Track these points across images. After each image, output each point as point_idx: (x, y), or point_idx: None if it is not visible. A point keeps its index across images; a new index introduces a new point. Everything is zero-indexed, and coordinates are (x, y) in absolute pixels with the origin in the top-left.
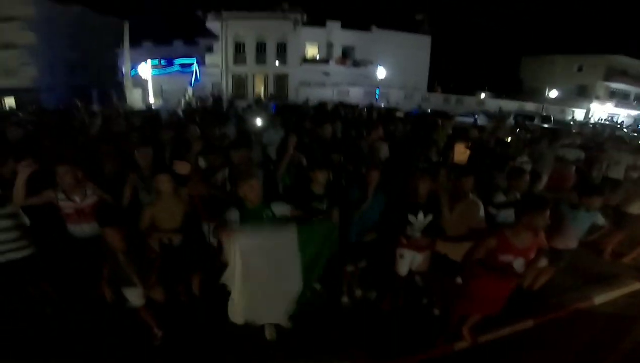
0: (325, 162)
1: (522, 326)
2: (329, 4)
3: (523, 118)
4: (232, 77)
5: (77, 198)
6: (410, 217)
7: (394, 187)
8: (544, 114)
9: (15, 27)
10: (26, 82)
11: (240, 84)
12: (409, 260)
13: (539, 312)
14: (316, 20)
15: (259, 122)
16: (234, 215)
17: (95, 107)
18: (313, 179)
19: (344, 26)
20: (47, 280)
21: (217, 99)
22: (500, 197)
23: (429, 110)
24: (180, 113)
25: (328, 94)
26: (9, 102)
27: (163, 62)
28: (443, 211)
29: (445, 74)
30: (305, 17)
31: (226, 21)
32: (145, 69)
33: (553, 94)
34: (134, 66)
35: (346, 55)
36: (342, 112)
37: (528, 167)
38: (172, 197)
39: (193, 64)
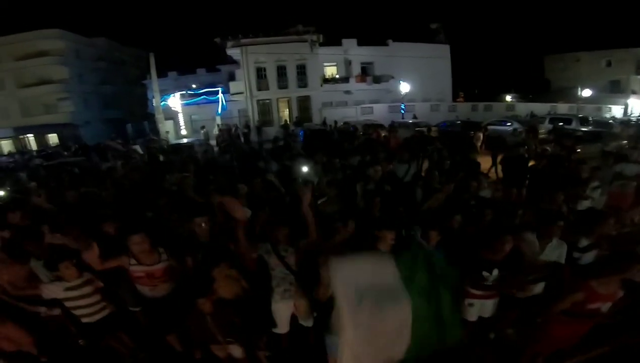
0: (392, 219)
1: (597, 352)
2: (343, 22)
3: (559, 121)
4: (257, 103)
5: (148, 263)
6: (485, 274)
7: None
8: (581, 115)
9: (48, 62)
10: (65, 117)
11: (265, 109)
12: (478, 308)
13: (614, 337)
14: (332, 39)
15: (303, 169)
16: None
17: (137, 145)
18: (380, 238)
19: (360, 43)
20: (125, 332)
21: (246, 128)
22: (584, 242)
23: (458, 122)
24: (214, 146)
25: (351, 113)
26: (52, 138)
27: (190, 92)
28: (522, 269)
29: (468, 81)
30: (321, 37)
31: (245, 47)
32: (175, 101)
33: (586, 93)
34: (162, 97)
35: (366, 72)
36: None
37: (597, 193)
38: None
39: (218, 92)
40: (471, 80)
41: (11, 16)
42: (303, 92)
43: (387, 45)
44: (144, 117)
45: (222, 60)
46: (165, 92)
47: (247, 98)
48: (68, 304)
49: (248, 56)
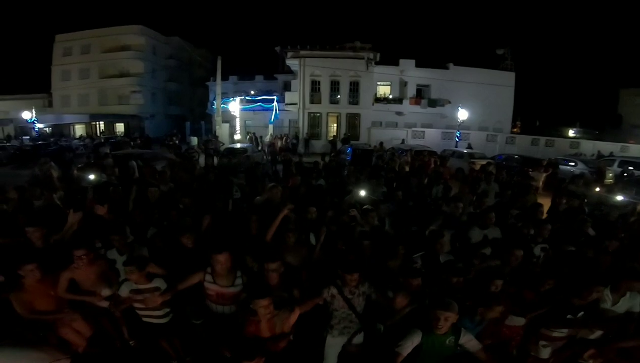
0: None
1: None
2: (402, 42)
3: (630, 165)
4: (308, 115)
5: (222, 284)
6: (569, 317)
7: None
8: None
9: (128, 56)
10: (134, 109)
11: (315, 122)
12: (552, 348)
13: None
14: (389, 59)
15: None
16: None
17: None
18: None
19: (419, 64)
20: (179, 337)
21: (295, 139)
22: None
23: (516, 156)
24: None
25: (401, 135)
26: (119, 127)
27: (248, 97)
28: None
29: (529, 108)
30: (378, 55)
31: (303, 58)
32: (235, 106)
33: None
34: (222, 100)
35: (421, 94)
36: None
37: None
38: None
39: (274, 101)
40: (532, 108)
41: (102, 10)
42: (353, 109)
43: (447, 68)
44: (202, 117)
45: (279, 69)
46: (225, 95)
47: (300, 109)
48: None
49: (305, 68)
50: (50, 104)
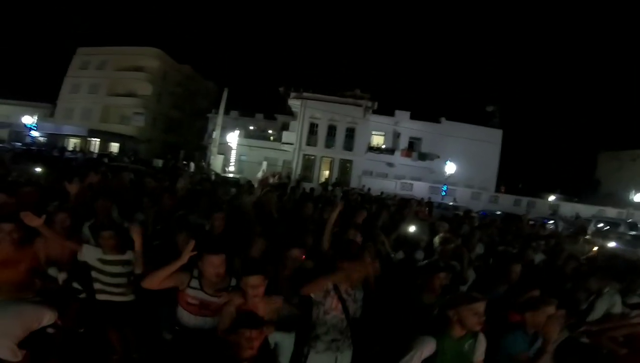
0: None
1: None
2: (398, 93)
3: (606, 224)
4: (303, 157)
5: (210, 292)
6: None
7: None
8: (630, 221)
9: (139, 77)
10: (133, 130)
11: (308, 165)
12: None
13: None
14: (385, 109)
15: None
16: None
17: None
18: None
19: (413, 116)
20: (132, 327)
21: (287, 179)
22: None
23: (498, 212)
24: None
25: (390, 186)
26: (114, 147)
27: (245, 135)
28: None
29: (513, 172)
30: (375, 104)
31: (305, 100)
32: (234, 138)
33: (638, 197)
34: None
35: (412, 147)
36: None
37: None
38: None
39: (269, 140)
40: (516, 172)
41: (119, 29)
42: (347, 155)
43: (439, 122)
44: (196, 148)
45: (279, 109)
46: (224, 129)
47: (296, 150)
48: (94, 274)
49: (306, 110)
50: (52, 114)
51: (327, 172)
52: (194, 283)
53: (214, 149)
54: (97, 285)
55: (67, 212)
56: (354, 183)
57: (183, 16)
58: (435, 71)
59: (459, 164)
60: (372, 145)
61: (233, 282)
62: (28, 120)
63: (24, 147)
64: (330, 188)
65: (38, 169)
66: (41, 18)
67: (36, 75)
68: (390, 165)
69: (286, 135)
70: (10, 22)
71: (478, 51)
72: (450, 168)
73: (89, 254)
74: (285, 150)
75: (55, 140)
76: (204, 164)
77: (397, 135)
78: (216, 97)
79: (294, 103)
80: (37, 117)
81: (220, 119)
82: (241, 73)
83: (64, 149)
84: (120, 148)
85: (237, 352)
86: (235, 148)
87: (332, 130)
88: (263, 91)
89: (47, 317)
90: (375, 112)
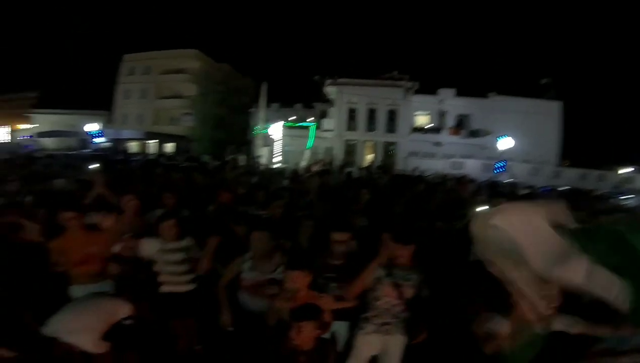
0: None
1: None
2: (441, 71)
3: None
4: (344, 143)
5: (263, 270)
6: None
7: None
8: None
9: (183, 78)
10: (184, 130)
11: (351, 150)
12: None
13: None
14: (427, 88)
15: None
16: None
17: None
18: None
19: (460, 93)
20: (194, 317)
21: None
22: None
23: (563, 188)
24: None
25: (439, 166)
26: (170, 147)
27: (287, 124)
28: None
29: (579, 145)
30: (416, 85)
31: (341, 86)
32: (276, 130)
33: None
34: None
35: (461, 124)
36: None
37: None
38: None
39: (311, 128)
40: (582, 145)
41: (160, 33)
42: (390, 137)
43: (487, 97)
44: (243, 142)
45: (317, 98)
46: (266, 122)
47: (336, 136)
48: (156, 267)
49: (343, 96)
50: (110, 121)
51: (370, 156)
52: (248, 265)
53: (259, 141)
54: (160, 278)
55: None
56: (400, 164)
57: (216, 16)
58: (480, 46)
59: (515, 139)
60: (416, 125)
61: (282, 260)
62: (91, 127)
63: (92, 153)
64: (375, 171)
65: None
66: (89, 29)
67: (93, 84)
68: (437, 144)
69: (326, 123)
70: (61, 37)
71: (526, 22)
72: (506, 143)
73: (149, 247)
74: (326, 137)
75: (116, 145)
76: (250, 157)
77: (442, 114)
78: (255, 92)
79: (330, 90)
80: (99, 124)
81: (262, 112)
82: (278, 66)
83: (127, 152)
84: (175, 147)
85: (293, 343)
86: (279, 139)
87: (372, 114)
88: (300, 81)
89: (125, 310)
90: (417, 92)
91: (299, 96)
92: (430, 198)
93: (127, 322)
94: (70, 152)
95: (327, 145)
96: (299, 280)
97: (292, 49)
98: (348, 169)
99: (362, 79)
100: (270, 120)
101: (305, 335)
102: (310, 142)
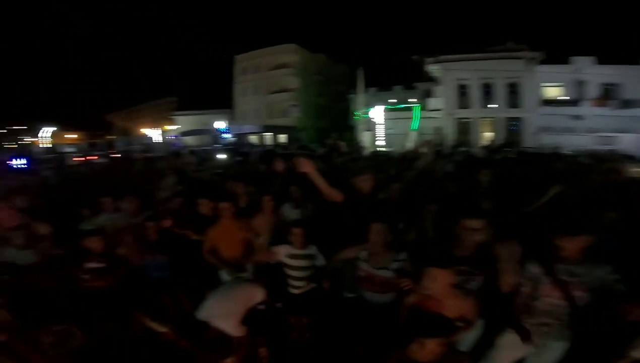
0: None
1: None
2: (573, 38)
3: None
4: (455, 121)
5: (376, 265)
6: None
7: None
8: None
9: (286, 73)
10: (292, 121)
11: (464, 129)
12: None
13: None
14: (556, 57)
15: None
16: None
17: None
18: None
19: (603, 61)
20: (308, 315)
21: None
22: None
23: None
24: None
25: (581, 142)
26: (283, 138)
27: (388, 107)
28: None
29: None
30: (541, 54)
31: (446, 64)
32: (378, 113)
33: None
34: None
35: (607, 95)
36: None
37: None
38: None
39: (414, 108)
40: None
41: (270, 31)
42: (513, 113)
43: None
44: (345, 128)
45: (417, 78)
46: (366, 106)
47: (446, 115)
48: (285, 269)
49: (449, 73)
50: (233, 117)
51: (488, 134)
52: (363, 255)
53: (360, 127)
54: (288, 281)
55: (272, 195)
56: (527, 141)
57: (308, 8)
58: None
59: None
60: (546, 98)
61: (402, 256)
62: (219, 125)
63: (222, 147)
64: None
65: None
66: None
67: (217, 86)
68: (577, 118)
69: (432, 102)
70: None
71: None
72: None
73: (281, 251)
74: (433, 117)
75: (239, 139)
76: (354, 142)
77: (579, 84)
78: (351, 78)
79: (433, 68)
80: (225, 122)
81: (361, 97)
82: (371, 51)
83: (251, 144)
84: (287, 138)
85: (412, 356)
86: (380, 122)
87: (487, 89)
88: (397, 63)
89: (260, 295)
90: (544, 62)
91: (397, 78)
92: (583, 179)
93: (261, 307)
94: (206, 148)
95: (435, 125)
96: (440, 279)
97: (384, 31)
98: (463, 149)
99: (470, 54)
100: (370, 104)
101: (428, 351)
102: (415, 124)
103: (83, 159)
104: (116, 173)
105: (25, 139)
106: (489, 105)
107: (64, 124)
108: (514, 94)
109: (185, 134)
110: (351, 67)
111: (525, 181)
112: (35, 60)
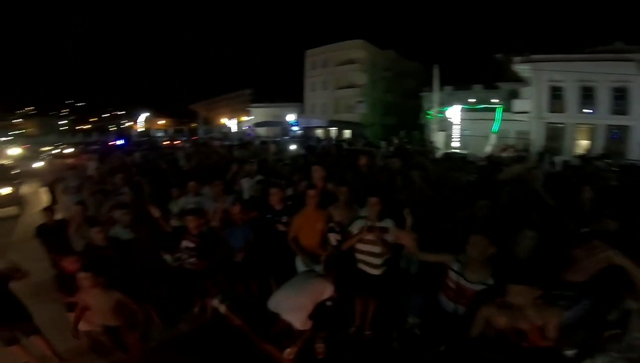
0: None
1: None
2: None
3: None
4: (545, 126)
5: (471, 279)
6: None
7: None
8: None
9: (354, 68)
10: (358, 117)
11: (555, 134)
12: None
13: None
14: None
15: None
16: None
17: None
18: None
19: None
20: (376, 301)
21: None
22: None
23: None
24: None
25: None
26: (346, 134)
27: (466, 106)
28: None
29: None
30: None
31: (538, 64)
32: (455, 113)
33: None
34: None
35: None
36: None
37: None
38: None
39: (497, 110)
40: None
41: (337, 26)
42: (618, 120)
43: None
44: (414, 127)
45: (501, 78)
46: (440, 105)
47: (534, 119)
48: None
49: (542, 73)
50: (303, 111)
51: (584, 142)
52: (457, 266)
53: (433, 126)
54: (357, 256)
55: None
56: (635, 152)
57: (378, 4)
58: None
59: None
60: None
61: (491, 272)
62: (290, 117)
63: (291, 139)
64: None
65: None
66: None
67: (289, 80)
68: None
69: (518, 104)
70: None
71: None
72: None
73: (355, 225)
74: (518, 120)
75: (307, 132)
76: (424, 141)
77: None
78: (423, 76)
79: (521, 68)
80: (294, 115)
81: (436, 95)
82: (447, 47)
83: (318, 138)
84: (352, 134)
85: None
86: (457, 123)
87: (587, 93)
88: (476, 61)
89: (330, 291)
90: None
91: (475, 76)
92: None
93: (329, 302)
94: (276, 139)
95: (519, 129)
96: (524, 295)
97: (462, 28)
98: (553, 157)
99: (568, 54)
100: (445, 103)
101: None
102: (496, 126)
103: (170, 142)
104: (200, 158)
105: (123, 123)
106: (584, 110)
107: (156, 111)
108: (620, 99)
109: (258, 125)
110: (424, 64)
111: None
112: (134, 54)
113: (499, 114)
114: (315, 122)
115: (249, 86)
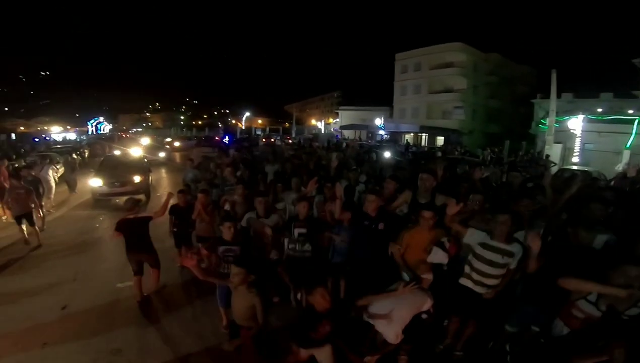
0: None
1: None
2: None
3: None
4: None
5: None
6: None
7: None
8: None
9: (452, 72)
10: (455, 124)
11: None
12: None
13: None
14: None
15: None
16: None
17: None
18: None
19: None
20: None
21: None
22: None
23: None
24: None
25: None
26: (439, 140)
27: (592, 116)
28: None
29: None
30: None
31: None
32: (577, 124)
33: None
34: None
35: None
36: None
37: None
38: None
39: (636, 122)
40: None
41: (428, 29)
42: None
43: None
44: (522, 136)
45: (634, 85)
46: (557, 114)
47: None
48: (469, 257)
49: None
50: (391, 115)
51: None
52: (592, 297)
53: (549, 137)
54: (465, 269)
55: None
56: None
57: (482, 7)
58: None
59: None
60: None
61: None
62: (377, 121)
63: (378, 143)
64: None
65: None
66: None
67: (378, 83)
68: None
69: None
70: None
71: None
72: None
73: (473, 237)
74: None
75: (394, 137)
76: (535, 153)
77: None
78: (535, 81)
79: None
80: (382, 119)
81: (552, 103)
82: (566, 50)
83: (408, 144)
84: (445, 141)
85: None
86: (579, 135)
87: None
88: (603, 67)
89: (427, 305)
90: None
91: (605, 84)
92: None
93: (424, 315)
94: (362, 142)
95: None
96: None
97: (583, 28)
98: None
99: None
100: (561, 112)
101: None
102: (632, 140)
103: (266, 140)
104: (297, 157)
105: (230, 120)
106: None
107: (256, 110)
108: None
109: (344, 127)
110: (537, 68)
111: None
112: (238, 55)
113: (635, 128)
114: (404, 126)
115: (338, 88)
